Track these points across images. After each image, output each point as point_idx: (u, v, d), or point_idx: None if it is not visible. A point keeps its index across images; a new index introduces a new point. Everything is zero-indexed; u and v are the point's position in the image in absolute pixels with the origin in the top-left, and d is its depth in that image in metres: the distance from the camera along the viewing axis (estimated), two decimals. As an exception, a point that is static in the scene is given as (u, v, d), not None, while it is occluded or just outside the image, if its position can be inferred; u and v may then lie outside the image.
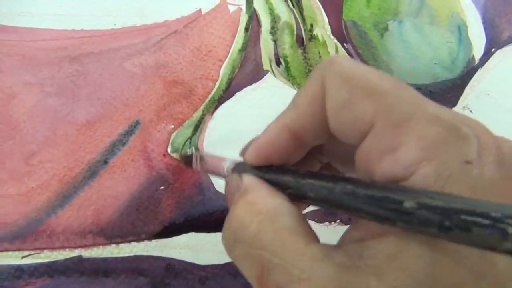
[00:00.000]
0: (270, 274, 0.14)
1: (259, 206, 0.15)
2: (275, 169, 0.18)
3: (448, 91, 0.37)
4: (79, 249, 0.28)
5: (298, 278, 0.13)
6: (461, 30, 0.39)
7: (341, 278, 0.13)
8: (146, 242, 0.29)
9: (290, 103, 0.18)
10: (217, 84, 0.33)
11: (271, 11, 0.37)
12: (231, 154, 0.32)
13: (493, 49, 0.39)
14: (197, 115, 0.32)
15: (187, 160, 0.26)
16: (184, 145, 0.31)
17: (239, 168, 0.20)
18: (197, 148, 0.31)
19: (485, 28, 0.40)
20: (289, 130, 0.18)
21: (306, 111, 0.17)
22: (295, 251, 0.14)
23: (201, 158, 0.24)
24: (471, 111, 0.36)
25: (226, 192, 0.20)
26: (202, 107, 0.32)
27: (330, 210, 0.17)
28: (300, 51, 0.36)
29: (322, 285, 0.13)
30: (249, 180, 0.18)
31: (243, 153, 0.20)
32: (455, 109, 0.36)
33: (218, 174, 0.22)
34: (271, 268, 0.14)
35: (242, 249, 0.15)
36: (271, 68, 0.35)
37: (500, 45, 0.39)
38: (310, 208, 0.32)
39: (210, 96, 0.33)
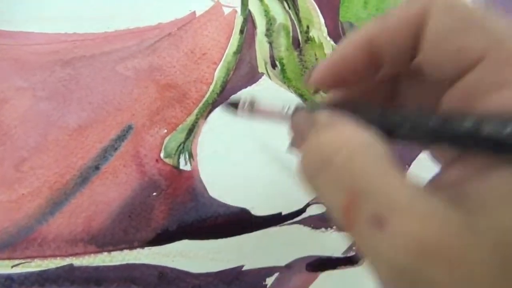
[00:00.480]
0: (363, 203, 0.13)
1: (349, 134, 0.15)
2: (348, 105, 0.17)
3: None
4: (70, 257, 0.28)
5: (397, 208, 0.12)
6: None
7: (446, 214, 0.12)
8: (138, 249, 0.29)
9: (377, 19, 0.17)
10: (211, 87, 0.33)
11: (266, 13, 0.36)
12: (226, 159, 0.31)
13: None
14: (190, 119, 0.32)
15: (233, 106, 0.25)
16: (177, 150, 0.31)
17: (303, 108, 0.19)
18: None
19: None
20: (371, 45, 0.16)
21: (397, 29, 0.16)
22: (393, 180, 0.13)
23: (253, 101, 0.24)
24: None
25: (292, 130, 0.19)
26: (195, 111, 0.32)
27: (419, 146, 0.16)
28: (296, 53, 0.35)
29: (426, 218, 0.12)
30: (326, 115, 0.16)
31: (307, 78, 0.19)
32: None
33: (275, 115, 0.21)
34: (364, 196, 0.13)
35: (328, 176, 0.14)
36: (267, 71, 0.34)
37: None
38: (307, 213, 0.32)
39: (204, 99, 0.32)
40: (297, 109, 0.19)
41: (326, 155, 0.14)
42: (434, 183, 0.15)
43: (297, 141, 0.17)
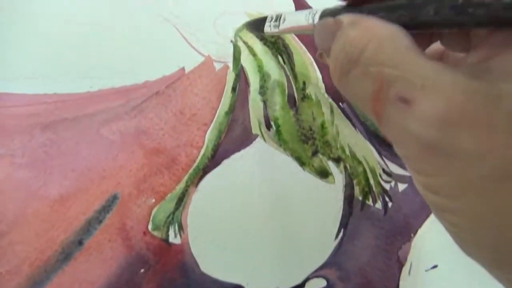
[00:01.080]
0: (390, 86, 0.16)
1: (376, 30, 0.17)
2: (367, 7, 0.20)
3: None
4: None
5: (422, 85, 0.15)
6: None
7: (469, 85, 0.14)
8: (125, 333, 0.31)
9: None
10: (202, 151, 0.36)
11: (260, 68, 0.39)
12: (219, 231, 0.34)
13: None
14: (180, 187, 0.34)
15: (259, 24, 0.30)
16: (166, 222, 0.33)
17: (327, 14, 0.22)
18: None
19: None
20: None
21: None
22: (417, 63, 0.15)
23: (278, 15, 0.28)
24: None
25: (319, 38, 0.21)
26: (185, 178, 0.35)
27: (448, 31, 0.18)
28: (292, 112, 0.38)
29: (449, 91, 0.14)
30: (350, 15, 0.19)
31: None
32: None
33: (301, 28, 0.25)
34: (391, 80, 0.16)
35: (358, 71, 0.17)
36: (261, 132, 0.37)
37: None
38: None
39: (195, 165, 0.35)
40: (322, 16, 0.23)
41: (355, 51, 0.17)
42: (462, 63, 0.18)
43: (324, 49, 0.20)
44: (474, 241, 0.16)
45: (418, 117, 0.15)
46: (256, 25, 0.31)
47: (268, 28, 0.30)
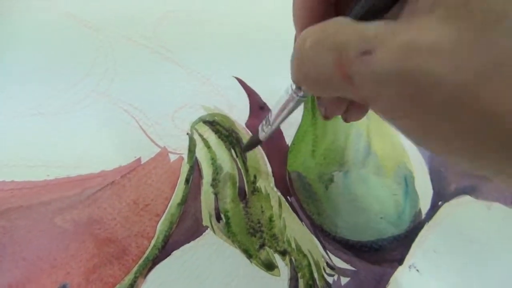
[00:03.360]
0: (348, 49, 0.18)
1: (330, 23, 0.20)
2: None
3: (393, 248, 0.43)
4: None
5: (374, 34, 0.18)
6: (407, 182, 0.46)
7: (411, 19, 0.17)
8: None
9: None
10: (153, 242, 0.38)
11: (213, 161, 0.43)
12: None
13: (440, 202, 0.46)
14: (129, 278, 0.37)
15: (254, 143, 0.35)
16: (113, 313, 0.35)
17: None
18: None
19: (431, 180, 0.47)
20: None
21: None
22: (361, 25, 0.18)
23: (266, 117, 0.32)
24: (417, 270, 0.42)
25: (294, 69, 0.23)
26: (134, 269, 0.37)
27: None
28: (242, 205, 0.41)
29: (398, 31, 0.17)
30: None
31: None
32: (402, 268, 0.42)
33: (287, 101, 0.29)
34: (347, 44, 0.18)
35: (314, 44, 0.20)
36: (211, 224, 0.40)
37: (447, 198, 0.46)
38: None
39: (144, 256, 0.38)
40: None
41: (310, 39, 0.20)
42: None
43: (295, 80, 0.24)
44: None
45: (381, 57, 0.17)
46: (253, 143, 0.36)
47: (263, 134, 0.35)
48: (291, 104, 0.29)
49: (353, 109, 0.30)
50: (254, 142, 0.37)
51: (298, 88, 0.27)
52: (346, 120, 0.31)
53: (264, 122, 0.34)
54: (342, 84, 0.19)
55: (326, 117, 0.31)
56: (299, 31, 0.25)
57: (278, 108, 0.31)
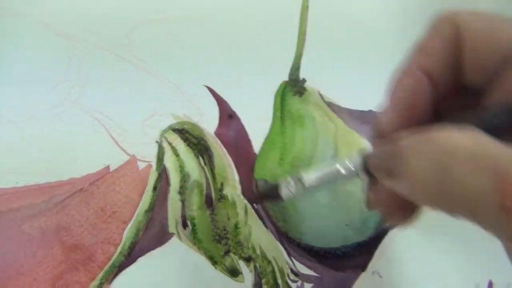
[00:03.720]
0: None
1: (457, 133, 0.17)
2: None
3: (357, 255, 0.44)
4: None
5: None
6: (373, 189, 0.48)
7: None
8: None
9: (414, 50, 0.22)
10: (119, 249, 0.40)
11: (181, 168, 0.44)
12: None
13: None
14: (94, 284, 0.38)
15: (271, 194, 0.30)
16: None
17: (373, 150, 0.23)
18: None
19: (397, 187, 0.48)
20: (424, 71, 0.21)
21: (439, 51, 0.20)
22: None
23: (298, 177, 0.27)
24: (380, 276, 0.43)
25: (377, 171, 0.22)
26: (100, 276, 0.38)
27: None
28: (208, 212, 0.43)
29: None
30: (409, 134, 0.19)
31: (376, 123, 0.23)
32: (365, 274, 0.43)
33: (330, 178, 0.25)
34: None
35: (464, 167, 0.17)
36: (177, 231, 0.41)
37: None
38: None
39: (110, 262, 0.39)
40: (365, 156, 0.23)
41: (450, 152, 0.17)
42: None
43: (385, 179, 0.21)
44: None
45: None
46: (270, 196, 0.32)
47: (289, 193, 0.29)
48: (339, 179, 0.26)
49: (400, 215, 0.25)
50: (272, 196, 0.31)
51: (368, 172, 0.24)
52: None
53: (291, 179, 0.29)
54: (498, 212, 0.16)
55: (368, 207, 0.27)
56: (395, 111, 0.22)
57: (322, 175, 0.27)
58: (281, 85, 0.50)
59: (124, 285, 0.39)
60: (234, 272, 0.41)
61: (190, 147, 0.46)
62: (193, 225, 0.42)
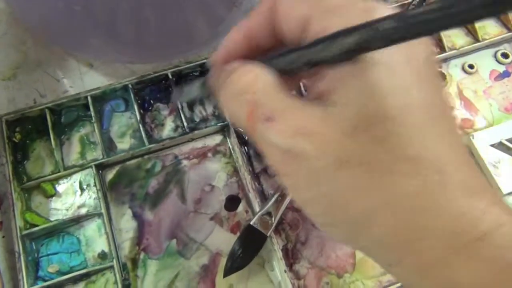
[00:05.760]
0: (259, 110, 0.20)
1: (252, 71, 0.22)
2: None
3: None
4: None
5: (281, 111, 0.20)
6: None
7: (311, 110, 0.20)
8: None
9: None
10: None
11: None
12: None
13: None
14: None
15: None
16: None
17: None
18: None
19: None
20: (250, 29, 0.24)
21: (260, 16, 0.24)
22: (279, 96, 0.21)
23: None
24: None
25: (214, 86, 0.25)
26: None
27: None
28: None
29: (298, 113, 0.20)
30: (233, 63, 0.23)
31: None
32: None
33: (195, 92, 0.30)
34: (260, 106, 0.20)
35: (236, 99, 0.22)
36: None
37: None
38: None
39: None
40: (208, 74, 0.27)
41: (236, 86, 0.22)
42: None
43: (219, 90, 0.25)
44: (328, 222, 0.21)
45: (278, 130, 0.20)
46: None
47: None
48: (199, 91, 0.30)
49: None
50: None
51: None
52: None
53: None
54: (247, 130, 0.22)
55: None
56: (225, 56, 0.25)
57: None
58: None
59: None
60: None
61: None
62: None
